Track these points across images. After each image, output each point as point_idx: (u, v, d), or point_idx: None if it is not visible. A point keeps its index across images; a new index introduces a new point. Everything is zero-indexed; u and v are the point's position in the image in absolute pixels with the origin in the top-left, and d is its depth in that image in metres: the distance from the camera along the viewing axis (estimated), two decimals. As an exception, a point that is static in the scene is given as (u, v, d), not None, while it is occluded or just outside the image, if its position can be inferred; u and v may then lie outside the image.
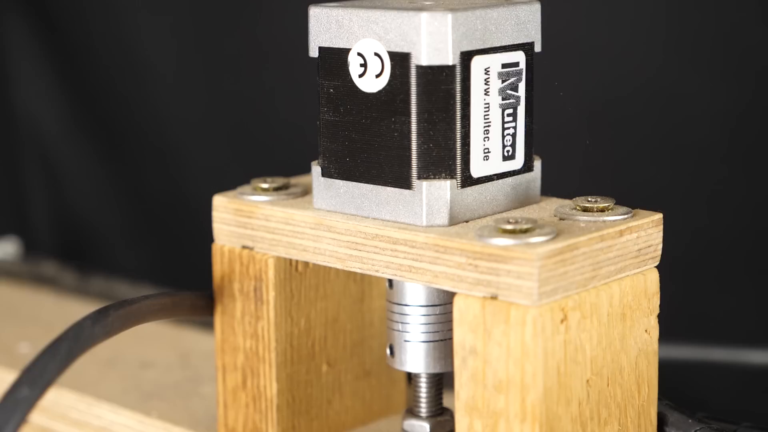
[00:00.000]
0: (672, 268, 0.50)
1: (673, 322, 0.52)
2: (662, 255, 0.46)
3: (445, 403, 0.50)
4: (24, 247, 0.89)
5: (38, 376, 0.40)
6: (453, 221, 0.45)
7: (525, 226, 0.43)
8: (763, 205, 0.72)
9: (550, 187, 0.49)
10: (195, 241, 0.82)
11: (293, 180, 0.52)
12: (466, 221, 0.46)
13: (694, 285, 0.73)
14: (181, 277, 0.88)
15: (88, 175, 0.95)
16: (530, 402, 0.42)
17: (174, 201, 0.92)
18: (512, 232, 0.43)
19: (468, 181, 0.45)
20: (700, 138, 0.73)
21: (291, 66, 0.85)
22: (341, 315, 0.52)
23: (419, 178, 0.45)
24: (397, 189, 0.46)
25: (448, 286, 0.44)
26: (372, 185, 0.46)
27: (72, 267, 0.79)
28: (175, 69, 0.92)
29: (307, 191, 0.51)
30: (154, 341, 0.66)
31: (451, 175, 0.45)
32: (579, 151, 0.73)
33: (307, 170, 0.50)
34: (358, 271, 0.47)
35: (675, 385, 0.52)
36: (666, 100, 0.73)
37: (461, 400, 0.44)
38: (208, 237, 0.51)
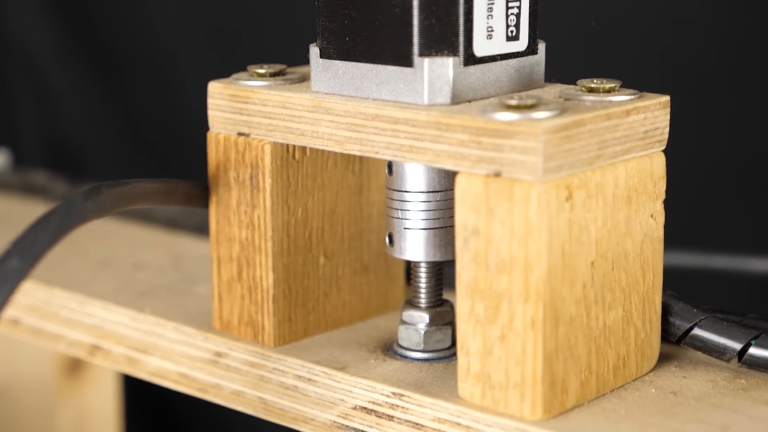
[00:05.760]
0: (674, 177, 0.49)
1: (675, 230, 0.51)
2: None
3: (445, 296, 0.49)
4: (14, 158, 0.88)
5: (28, 247, 0.38)
6: (455, 100, 0.44)
7: (530, 102, 0.42)
8: (764, 118, 0.71)
9: (554, 75, 0.48)
10: (187, 153, 0.80)
11: (290, 68, 0.51)
12: (469, 101, 0.44)
13: (696, 193, 0.72)
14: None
15: (77, 87, 0.93)
16: (534, 281, 0.41)
17: (165, 112, 0.91)
18: (517, 108, 0.41)
19: (471, 59, 0.44)
20: (702, 50, 0.72)
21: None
22: (339, 207, 0.51)
23: (421, 55, 0.44)
24: (397, 67, 0.44)
25: (450, 165, 0.43)
26: (372, 65, 0.45)
27: (62, 177, 0.78)
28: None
29: (305, 78, 0.49)
30: (147, 245, 0.64)
31: (454, 52, 0.44)
32: (585, 39, 0.72)
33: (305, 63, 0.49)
34: (357, 153, 0.45)
35: (675, 292, 0.51)
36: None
37: (462, 282, 0.43)
38: (202, 148, 0.50)
